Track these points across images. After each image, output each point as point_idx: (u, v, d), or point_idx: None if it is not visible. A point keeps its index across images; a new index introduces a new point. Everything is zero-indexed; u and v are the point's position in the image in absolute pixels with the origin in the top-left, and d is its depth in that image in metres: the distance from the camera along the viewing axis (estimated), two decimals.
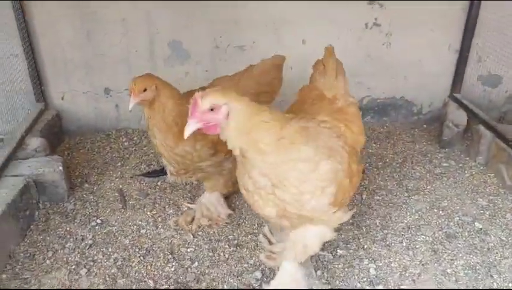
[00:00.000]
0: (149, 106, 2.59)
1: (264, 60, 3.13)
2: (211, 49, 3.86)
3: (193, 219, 2.99)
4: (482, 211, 3.07)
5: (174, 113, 2.59)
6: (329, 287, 2.48)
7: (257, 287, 2.50)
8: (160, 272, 2.62)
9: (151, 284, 2.54)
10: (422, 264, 2.65)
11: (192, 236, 2.86)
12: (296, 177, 1.96)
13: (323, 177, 2.00)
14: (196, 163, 2.71)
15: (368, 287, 2.49)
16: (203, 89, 3.03)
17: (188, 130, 1.87)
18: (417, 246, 2.78)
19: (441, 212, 3.07)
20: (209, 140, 2.61)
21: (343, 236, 2.86)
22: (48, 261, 2.69)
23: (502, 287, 2.49)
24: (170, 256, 2.73)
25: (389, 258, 2.70)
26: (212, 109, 1.86)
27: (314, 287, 2.43)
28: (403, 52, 3.98)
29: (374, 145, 3.87)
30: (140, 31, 3.76)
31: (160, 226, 2.96)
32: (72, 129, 4.04)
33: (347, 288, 2.49)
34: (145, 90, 2.53)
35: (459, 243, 2.80)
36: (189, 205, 3.12)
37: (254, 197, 2.07)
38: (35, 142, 3.30)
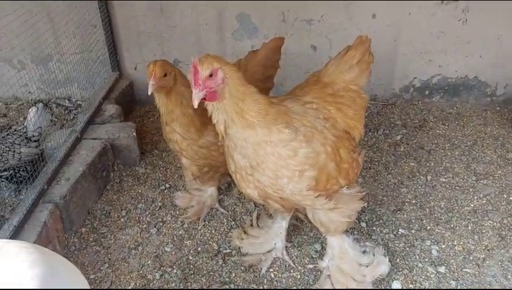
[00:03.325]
0: (166, 95, 2.43)
1: (266, 44, 2.99)
2: (278, 22, 3.87)
3: None
4: None
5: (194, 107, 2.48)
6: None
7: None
8: (224, 237, 2.76)
9: (215, 247, 2.68)
10: (488, 250, 2.59)
11: (254, 205, 2.96)
12: (274, 161, 1.95)
13: (302, 161, 1.97)
14: (222, 155, 2.42)
15: (429, 268, 2.48)
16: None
17: (196, 100, 1.83)
18: (483, 231, 2.71)
19: (510, 198, 2.94)
20: None
21: (405, 216, 2.84)
22: (122, 219, 2.91)
23: None
24: (233, 223, 2.86)
25: (453, 241, 2.65)
26: (211, 75, 1.82)
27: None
28: (480, 29, 3.77)
29: (442, 126, 3.74)
30: (210, 4, 3.83)
31: (224, 194, 3.08)
32: (143, 98, 4.24)
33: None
34: (165, 75, 2.34)
35: None
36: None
37: (237, 178, 2.09)
38: (111, 108, 3.52)
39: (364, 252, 2.47)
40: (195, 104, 1.84)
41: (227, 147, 2.06)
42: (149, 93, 2.36)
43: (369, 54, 2.40)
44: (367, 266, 2.40)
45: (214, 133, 2.51)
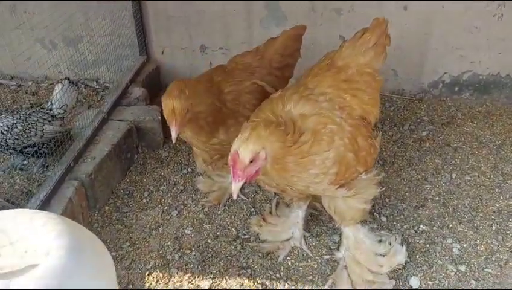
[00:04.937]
0: None
1: (286, 31, 2.92)
2: (307, 12, 3.83)
3: None
4: None
5: (205, 115, 2.39)
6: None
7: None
8: (243, 223, 2.78)
9: (234, 232, 2.71)
10: (511, 251, 2.53)
11: (274, 194, 2.97)
12: (305, 178, 1.97)
13: (328, 164, 1.97)
14: None
15: (450, 266, 2.45)
16: (221, 67, 2.76)
17: (236, 192, 1.83)
18: (507, 232, 2.65)
19: None
20: (240, 122, 2.35)
21: (427, 212, 2.79)
22: (144, 200, 2.96)
23: None
24: (252, 209, 2.87)
25: (476, 240, 2.60)
26: (251, 161, 1.78)
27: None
28: None
29: (471, 124, 3.64)
30: None
31: None
32: (169, 83, 4.23)
33: None
34: (187, 111, 2.23)
35: None
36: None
37: None
38: (137, 91, 3.57)
39: (380, 241, 2.46)
40: (235, 196, 1.86)
41: None
42: (173, 141, 2.23)
43: (385, 36, 2.34)
44: (383, 256, 2.39)
45: (224, 132, 2.51)
